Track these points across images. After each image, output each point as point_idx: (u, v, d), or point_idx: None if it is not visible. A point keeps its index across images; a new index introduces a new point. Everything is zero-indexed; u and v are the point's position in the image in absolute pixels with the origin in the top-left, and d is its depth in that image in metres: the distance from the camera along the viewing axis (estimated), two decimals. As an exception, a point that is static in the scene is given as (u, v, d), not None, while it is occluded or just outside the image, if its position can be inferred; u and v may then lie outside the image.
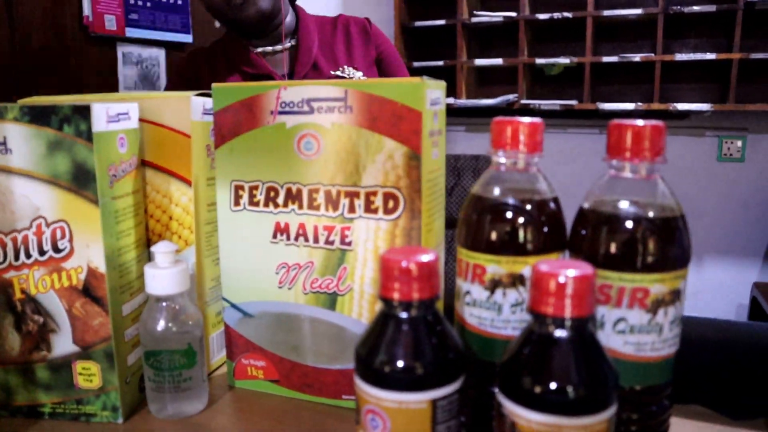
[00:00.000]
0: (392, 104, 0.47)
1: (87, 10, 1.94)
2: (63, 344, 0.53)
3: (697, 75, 2.67)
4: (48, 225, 0.52)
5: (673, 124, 2.68)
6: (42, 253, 0.52)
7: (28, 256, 0.52)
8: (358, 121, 0.48)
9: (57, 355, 0.54)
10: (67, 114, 0.50)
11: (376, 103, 0.48)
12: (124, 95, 0.60)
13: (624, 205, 0.43)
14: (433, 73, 1.49)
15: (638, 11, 2.58)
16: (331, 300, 0.52)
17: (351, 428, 0.51)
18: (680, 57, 2.54)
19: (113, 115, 0.52)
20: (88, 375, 0.53)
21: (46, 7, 1.86)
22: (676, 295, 0.43)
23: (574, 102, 2.73)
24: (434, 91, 0.49)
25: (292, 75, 1.34)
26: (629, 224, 0.42)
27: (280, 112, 0.51)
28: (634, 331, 0.42)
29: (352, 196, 0.49)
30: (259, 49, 1.36)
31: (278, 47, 1.37)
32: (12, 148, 0.51)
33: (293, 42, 1.38)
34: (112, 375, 0.53)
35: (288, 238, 0.52)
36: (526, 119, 0.44)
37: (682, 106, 2.54)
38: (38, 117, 0.50)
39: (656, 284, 0.42)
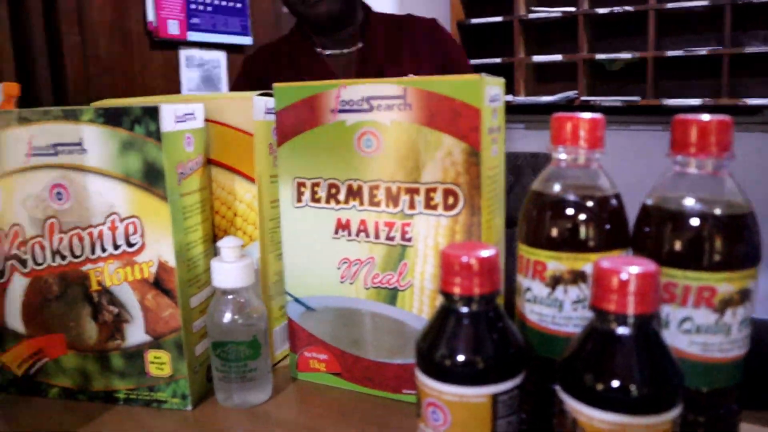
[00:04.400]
0: (450, 101, 0.48)
1: (151, 16, 2.00)
2: (136, 334, 0.56)
3: (768, 68, 2.57)
4: (121, 221, 0.54)
5: (744, 119, 2.58)
6: (116, 247, 0.55)
7: (104, 250, 0.55)
8: (417, 118, 0.49)
9: (130, 344, 0.56)
10: (138, 115, 0.52)
11: (435, 100, 0.48)
12: (190, 96, 0.62)
13: (689, 201, 0.42)
14: (491, 70, 1.47)
15: (704, 2, 2.49)
16: (391, 295, 0.53)
17: (411, 422, 0.51)
18: (750, 50, 2.44)
19: (180, 115, 0.54)
20: (159, 363, 0.56)
21: (113, 14, 1.94)
22: (745, 295, 0.41)
23: (636, 98, 2.66)
24: (493, 87, 0.50)
25: None
26: (695, 221, 0.41)
27: (340, 111, 0.52)
28: (700, 331, 0.41)
29: (412, 192, 0.50)
30: (327, 52, 1.36)
31: (345, 51, 1.36)
32: (87, 148, 0.54)
33: (360, 45, 1.37)
34: (181, 364, 0.55)
35: (349, 234, 0.53)
36: (587, 114, 0.44)
37: (752, 101, 2.45)
38: (111, 118, 0.53)
39: (724, 283, 0.41)
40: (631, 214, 0.45)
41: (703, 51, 2.52)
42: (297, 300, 0.58)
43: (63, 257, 0.56)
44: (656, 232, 0.43)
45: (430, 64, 1.37)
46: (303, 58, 1.35)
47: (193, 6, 2.14)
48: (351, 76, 1.35)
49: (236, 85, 1.46)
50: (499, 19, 2.88)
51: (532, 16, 2.83)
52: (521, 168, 2.29)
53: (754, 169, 2.58)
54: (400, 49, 1.37)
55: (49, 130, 0.54)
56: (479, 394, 0.37)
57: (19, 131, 0.55)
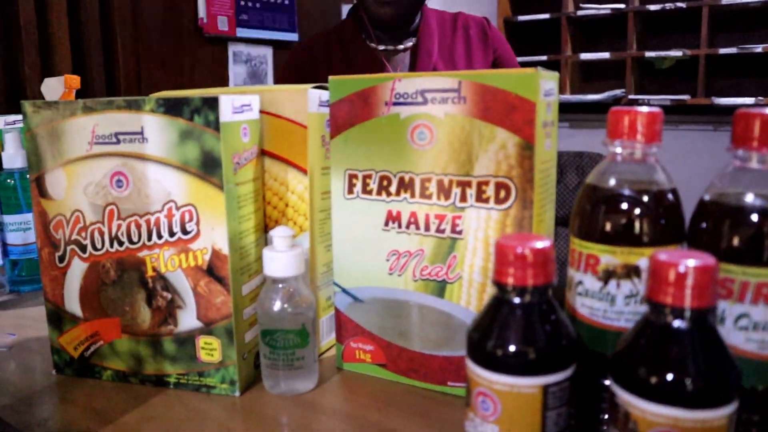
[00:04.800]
0: (506, 94, 0.48)
1: (202, 12, 2.04)
2: (188, 320, 0.57)
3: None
4: (178, 208, 0.56)
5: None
6: (172, 234, 0.56)
7: (160, 237, 0.57)
8: (472, 111, 0.49)
9: (182, 330, 0.58)
10: (197, 105, 0.53)
11: (490, 93, 0.48)
12: (245, 88, 0.63)
13: (750, 197, 0.41)
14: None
15: (761, -1, 2.42)
16: (440, 288, 0.53)
17: (455, 414, 0.52)
18: (808, 47, 2.36)
19: (238, 106, 0.56)
20: (210, 350, 0.57)
21: (165, 11, 1.98)
22: (805, 293, 0.41)
23: (686, 97, 2.61)
24: (548, 81, 0.49)
25: None
26: (755, 217, 0.40)
27: (395, 103, 0.52)
28: (757, 328, 0.41)
29: (464, 185, 0.50)
30: (381, 47, 1.35)
31: (399, 47, 1.35)
32: (148, 137, 0.55)
33: (413, 41, 1.36)
34: (231, 350, 0.56)
35: (399, 226, 0.54)
36: (644, 108, 0.44)
37: (808, 101, 2.37)
38: (172, 108, 0.54)
39: (783, 280, 0.40)
40: (685, 213, 0.45)
41: (758, 48, 2.45)
42: (345, 291, 0.58)
43: (121, 243, 0.58)
44: (714, 228, 0.42)
45: (482, 63, 1.37)
46: (356, 52, 1.34)
47: (242, 2, 2.17)
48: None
49: (283, 76, 1.45)
50: (546, 16, 2.85)
51: (580, 13, 2.80)
52: (565, 167, 2.26)
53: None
54: (453, 46, 1.36)
55: (113, 119, 0.56)
56: (530, 384, 0.37)
57: (84, 120, 0.57)
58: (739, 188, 0.42)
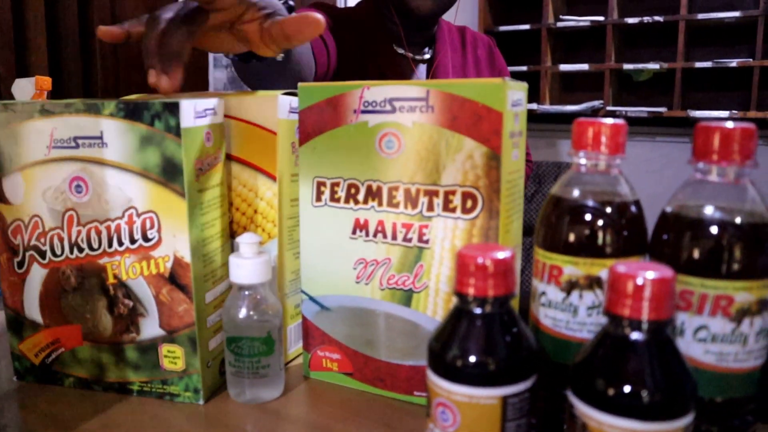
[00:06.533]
0: (473, 104, 0.48)
1: (182, 14, 2.03)
2: (150, 328, 0.56)
3: (799, 82, 2.53)
4: (138, 215, 0.55)
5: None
6: (133, 241, 0.55)
7: (120, 243, 0.56)
8: (439, 120, 0.49)
9: (145, 338, 0.57)
10: (158, 110, 0.53)
11: (457, 102, 0.48)
12: (214, 93, 0.63)
13: (710, 209, 0.41)
14: (517, 77, 1.47)
15: (736, 14, 2.46)
16: (406, 296, 0.53)
17: (421, 424, 0.51)
18: (781, 63, 2.41)
19: (200, 110, 0.55)
20: (173, 358, 0.56)
21: (146, 11, 1.97)
22: (763, 305, 0.41)
23: (663, 109, 2.64)
24: (516, 92, 0.49)
25: None
26: (714, 229, 0.41)
27: (363, 111, 0.52)
28: (716, 340, 0.41)
29: (431, 194, 0.50)
30: (400, 51, 1.26)
31: (416, 56, 1.28)
32: (107, 141, 0.54)
33: (431, 53, 1.30)
34: (194, 359, 0.56)
35: (367, 235, 0.53)
36: (609, 120, 0.44)
37: (782, 115, 2.41)
38: (132, 113, 0.53)
39: (742, 292, 0.40)
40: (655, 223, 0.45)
41: (733, 63, 2.49)
42: (312, 299, 0.58)
43: (81, 250, 0.57)
44: (674, 239, 0.42)
45: None
46: (385, 59, 1.24)
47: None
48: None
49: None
50: (526, 27, 2.88)
51: (560, 24, 2.82)
52: (543, 177, 2.28)
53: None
54: (465, 64, 1.33)
55: (71, 123, 0.55)
56: (489, 395, 0.37)
57: (42, 123, 0.56)
58: (700, 201, 0.42)
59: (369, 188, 0.53)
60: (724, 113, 2.50)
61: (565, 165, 1.95)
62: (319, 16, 0.54)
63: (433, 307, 0.52)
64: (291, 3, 0.73)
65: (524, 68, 2.87)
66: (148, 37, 0.55)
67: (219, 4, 0.56)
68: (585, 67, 2.78)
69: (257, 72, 0.86)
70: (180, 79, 0.54)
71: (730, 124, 0.40)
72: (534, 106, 2.83)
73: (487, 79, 0.48)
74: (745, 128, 0.40)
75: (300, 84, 0.56)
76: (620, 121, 0.44)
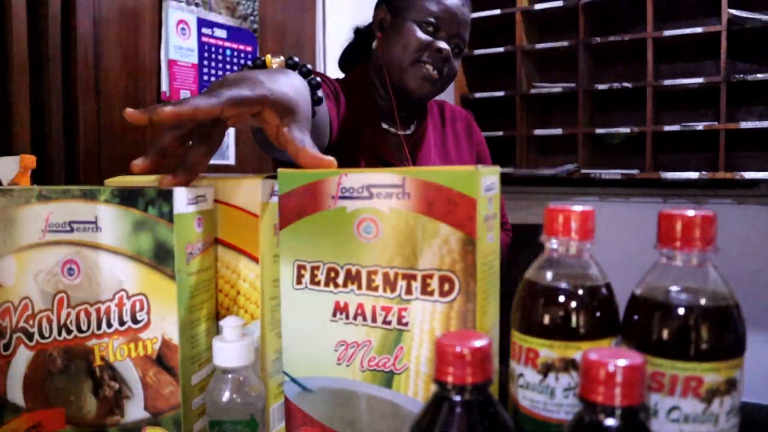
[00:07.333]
0: (448, 191, 0.50)
1: (165, 85, 2.07)
2: (135, 410, 0.57)
3: (763, 143, 2.62)
4: (129, 297, 0.56)
5: (740, 192, 2.62)
6: (122, 323, 0.56)
7: (110, 325, 0.57)
8: (415, 206, 0.51)
9: (129, 421, 0.57)
10: (152, 197, 0.54)
11: (433, 189, 0.50)
12: (203, 177, 0.64)
13: (675, 292, 0.43)
14: (493, 142, 1.51)
15: (699, 80, 2.57)
16: (387, 378, 0.54)
17: (405, 506, 0.51)
18: (745, 125, 2.50)
19: (192, 197, 0.57)
20: (157, 441, 0.56)
21: (128, 84, 2.01)
22: (732, 385, 0.43)
23: (635, 171, 2.71)
24: (489, 177, 0.52)
25: None
26: (681, 312, 0.43)
27: (341, 197, 0.54)
28: (688, 420, 0.42)
29: (409, 278, 0.52)
30: (384, 126, 1.29)
31: (399, 132, 1.30)
32: (102, 226, 0.56)
33: (413, 128, 1.33)
34: (179, 443, 0.56)
35: (347, 317, 0.55)
36: (578, 207, 0.46)
37: (748, 175, 2.49)
38: (127, 199, 0.55)
39: (710, 373, 0.42)
40: (631, 286, 0.46)
41: (699, 126, 2.58)
42: (294, 380, 0.59)
43: (69, 332, 0.58)
44: (644, 322, 0.44)
45: (469, 160, 1.37)
46: (371, 134, 1.26)
47: (206, 78, 2.21)
48: (404, 159, 1.28)
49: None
50: (501, 93, 2.97)
51: (533, 91, 2.92)
52: (521, 240, 2.31)
53: (749, 241, 2.60)
54: (445, 138, 1.36)
55: (67, 208, 0.57)
56: (471, 483, 0.38)
57: (38, 208, 0.57)
58: (666, 284, 0.44)
59: (348, 272, 0.54)
60: (694, 174, 2.58)
61: (542, 227, 1.98)
62: (333, 162, 0.59)
63: (414, 388, 0.53)
64: (307, 68, 0.76)
65: (500, 133, 2.94)
66: (168, 137, 0.59)
67: (231, 121, 0.60)
68: (558, 131, 2.86)
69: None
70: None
71: (691, 212, 0.43)
72: (510, 170, 2.90)
73: (461, 168, 0.50)
74: (705, 216, 0.43)
75: (279, 170, 0.58)
76: (589, 208, 0.47)
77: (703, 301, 0.43)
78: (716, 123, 2.57)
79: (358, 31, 1.43)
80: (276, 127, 0.62)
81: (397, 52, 1.21)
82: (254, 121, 0.63)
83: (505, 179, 1.76)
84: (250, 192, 0.61)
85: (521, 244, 2.26)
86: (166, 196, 0.54)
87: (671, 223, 0.43)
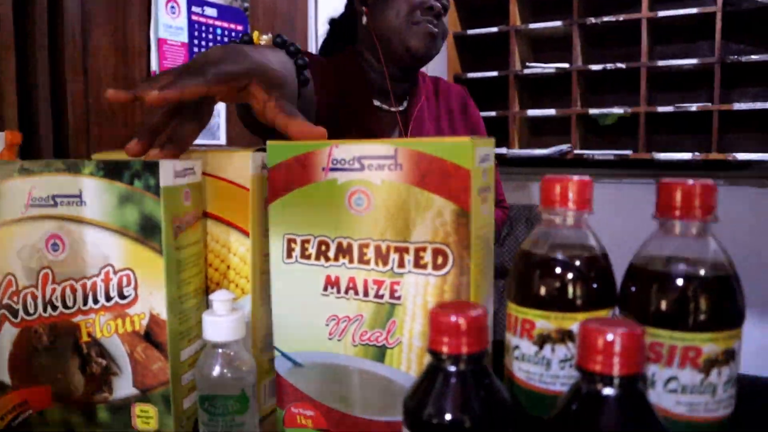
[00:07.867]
0: (441, 162, 0.49)
1: (155, 65, 2.04)
2: (123, 387, 0.56)
3: (756, 124, 2.61)
4: (115, 273, 0.55)
5: (733, 174, 2.62)
6: (108, 299, 0.55)
7: (96, 301, 0.55)
8: (408, 178, 0.50)
9: (117, 397, 0.56)
10: (138, 169, 0.53)
11: (425, 161, 0.49)
12: (192, 151, 0.63)
13: (674, 263, 0.43)
14: (486, 123, 1.49)
15: (694, 61, 2.55)
16: (380, 353, 0.53)
17: (398, 481, 0.51)
18: (739, 106, 2.49)
19: (180, 170, 0.56)
20: (146, 417, 0.55)
21: (117, 63, 1.98)
22: (730, 355, 0.42)
23: (628, 152, 2.70)
24: (483, 148, 0.51)
25: None
26: (679, 282, 0.42)
27: (332, 169, 0.53)
28: (686, 391, 0.42)
29: (402, 251, 0.51)
30: (376, 103, 1.28)
31: (392, 109, 1.29)
32: (86, 200, 0.54)
33: (405, 105, 1.32)
34: (168, 418, 0.55)
35: (338, 291, 0.54)
36: (575, 177, 0.45)
37: (742, 156, 2.49)
38: (111, 172, 0.54)
39: (709, 344, 0.41)
40: (623, 266, 0.46)
41: (693, 107, 2.57)
42: (285, 355, 0.58)
43: (54, 308, 0.56)
44: (642, 292, 0.43)
45: (463, 133, 1.36)
46: (363, 110, 1.25)
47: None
48: (397, 135, 1.28)
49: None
50: (494, 74, 2.94)
51: (526, 71, 2.90)
52: (515, 220, 2.31)
53: (742, 222, 2.60)
54: (439, 115, 1.35)
55: (50, 182, 0.55)
56: (465, 454, 0.37)
57: (21, 182, 0.56)
58: (664, 254, 0.43)
59: (339, 245, 0.53)
60: (687, 155, 2.57)
61: (536, 207, 1.98)
62: (324, 132, 0.58)
63: (407, 362, 0.52)
64: (295, 47, 0.74)
65: (493, 113, 2.92)
66: (158, 115, 0.60)
67: (220, 97, 0.60)
68: (552, 112, 2.85)
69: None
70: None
71: (691, 181, 0.42)
72: (503, 150, 2.88)
73: (455, 138, 0.49)
74: (705, 185, 0.42)
75: (269, 142, 0.57)
76: (586, 177, 0.46)
77: (701, 272, 0.42)
78: (710, 104, 2.56)
79: (333, 22, 1.42)
80: (263, 102, 0.61)
81: (391, 19, 1.20)
82: (240, 96, 0.62)
83: (498, 160, 1.75)
84: (240, 165, 0.60)
85: (516, 224, 2.26)
86: (152, 168, 0.53)
87: (670, 192, 0.42)
